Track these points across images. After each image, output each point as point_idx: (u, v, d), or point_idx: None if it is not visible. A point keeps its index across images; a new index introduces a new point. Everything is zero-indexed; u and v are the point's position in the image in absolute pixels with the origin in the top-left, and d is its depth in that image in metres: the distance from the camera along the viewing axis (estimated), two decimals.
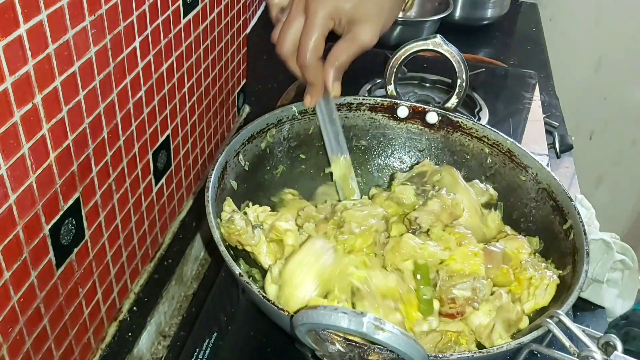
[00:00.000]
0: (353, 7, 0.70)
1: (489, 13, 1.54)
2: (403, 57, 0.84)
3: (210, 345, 0.72)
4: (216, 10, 0.92)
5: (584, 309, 0.82)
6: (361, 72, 1.19)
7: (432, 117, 0.85)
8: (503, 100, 1.15)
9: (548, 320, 0.56)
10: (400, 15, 1.51)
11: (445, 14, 1.40)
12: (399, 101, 0.85)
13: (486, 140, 0.82)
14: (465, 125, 0.83)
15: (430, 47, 0.81)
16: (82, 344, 0.73)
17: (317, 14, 0.70)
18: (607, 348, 0.53)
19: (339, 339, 0.50)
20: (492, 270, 0.68)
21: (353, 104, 0.85)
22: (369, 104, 0.85)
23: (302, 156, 0.84)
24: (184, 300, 0.93)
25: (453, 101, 0.84)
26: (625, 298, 0.84)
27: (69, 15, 0.56)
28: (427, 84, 1.19)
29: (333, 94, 0.75)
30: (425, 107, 0.85)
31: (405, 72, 1.18)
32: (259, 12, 1.55)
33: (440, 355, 0.53)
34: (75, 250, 0.66)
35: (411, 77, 1.19)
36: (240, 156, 0.75)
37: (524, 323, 0.66)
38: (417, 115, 0.86)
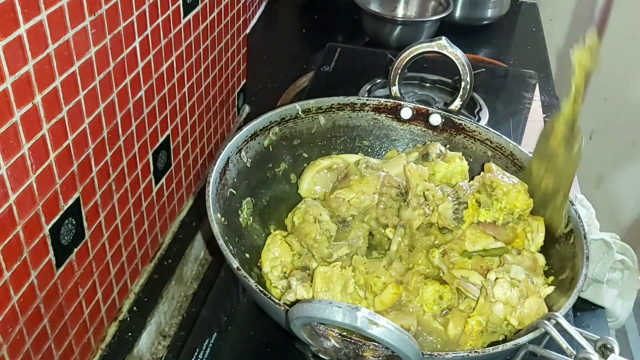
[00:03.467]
0: None
1: (489, 13, 1.54)
2: (408, 58, 0.84)
3: (210, 345, 0.72)
4: (216, 10, 0.92)
5: (584, 309, 0.82)
6: (361, 72, 1.19)
7: (435, 119, 0.85)
8: (503, 100, 1.15)
9: (545, 322, 0.56)
10: (400, 15, 1.52)
11: (445, 14, 1.39)
12: (402, 102, 0.85)
13: (489, 143, 0.82)
14: (469, 127, 0.83)
15: (435, 49, 0.81)
16: (82, 344, 0.73)
17: None
18: (604, 350, 0.53)
19: (334, 334, 0.50)
20: (502, 236, 0.72)
21: (357, 104, 0.85)
22: (373, 104, 0.85)
23: (305, 155, 0.84)
24: (184, 300, 0.93)
25: (457, 103, 0.84)
26: (625, 298, 0.84)
27: (69, 15, 0.56)
28: (427, 84, 1.19)
29: None
30: (429, 109, 0.85)
31: (405, 72, 1.18)
32: (259, 12, 1.55)
33: (435, 354, 0.53)
34: (75, 250, 0.66)
35: (411, 77, 1.19)
36: (243, 153, 0.75)
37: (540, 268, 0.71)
38: (420, 116, 0.86)
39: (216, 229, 0.63)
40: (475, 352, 0.55)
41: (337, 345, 0.50)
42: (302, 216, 0.76)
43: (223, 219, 0.69)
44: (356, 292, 0.68)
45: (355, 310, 0.44)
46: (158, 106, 0.79)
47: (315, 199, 0.80)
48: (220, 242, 0.61)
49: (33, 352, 0.62)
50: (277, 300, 0.57)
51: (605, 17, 0.67)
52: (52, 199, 0.60)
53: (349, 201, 0.75)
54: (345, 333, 0.50)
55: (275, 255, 0.73)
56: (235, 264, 0.59)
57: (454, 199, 0.72)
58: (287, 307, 0.54)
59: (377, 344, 0.48)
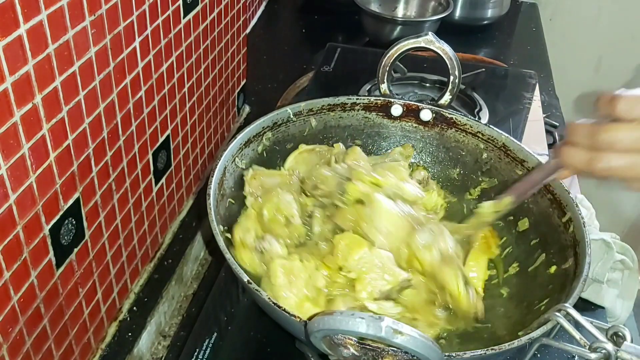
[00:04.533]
0: None
1: (489, 13, 1.54)
2: (395, 55, 0.83)
3: (210, 345, 0.72)
4: (216, 10, 0.92)
5: (584, 309, 0.82)
6: (361, 72, 1.19)
7: (426, 115, 0.85)
8: (503, 100, 1.15)
9: (556, 313, 0.56)
10: (400, 15, 1.51)
11: (445, 14, 1.39)
12: (392, 99, 0.85)
13: (481, 136, 0.82)
14: (460, 121, 0.83)
15: (422, 44, 0.81)
16: (82, 344, 0.73)
17: None
18: (616, 339, 0.54)
19: (352, 342, 0.50)
20: None
21: (347, 103, 0.85)
22: (363, 103, 0.85)
23: None
24: (184, 300, 0.93)
25: (446, 98, 0.84)
26: (625, 298, 0.84)
27: (69, 15, 0.56)
28: (427, 84, 1.19)
29: None
30: (419, 104, 0.85)
31: (405, 72, 1.18)
32: (259, 12, 1.55)
33: (454, 355, 0.54)
34: (75, 250, 0.66)
35: (411, 77, 1.19)
36: (238, 161, 0.75)
37: None
38: (411, 113, 0.86)
39: (222, 243, 0.62)
40: (492, 349, 0.55)
41: (356, 352, 0.50)
42: (273, 212, 0.73)
43: (226, 227, 0.69)
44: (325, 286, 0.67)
45: (378, 320, 0.44)
46: (158, 106, 0.79)
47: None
48: (228, 255, 0.61)
49: (33, 352, 0.62)
50: (292, 313, 0.56)
51: (525, 193, 0.69)
52: (52, 199, 0.60)
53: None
54: (363, 340, 0.50)
55: (247, 227, 0.72)
56: (245, 277, 0.58)
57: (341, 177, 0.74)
58: (304, 320, 0.53)
59: (396, 349, 0.48)
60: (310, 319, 0.50)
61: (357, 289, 0.65)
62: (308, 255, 0.68)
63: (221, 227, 0.67)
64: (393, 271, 0.66)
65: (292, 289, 0.64)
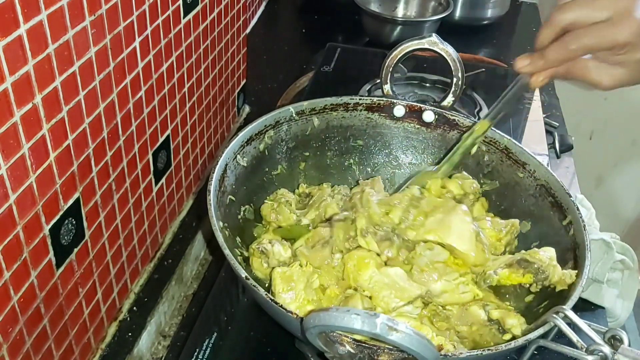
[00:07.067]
0: None
1: (489, 13, 1.54)
2: (399, 56, 0.83)
3: (210, 345, 0.72)
4: (216, 10, 0.92)
5: (584, 309, 0.82)
6: (361, 73, 1.19)
7: (428, 116, 0.85)
8: None
9: (554, 315, 0.56)
10: (400, 15, 1.51)
11: (445, 14, 1.39)
12: (395, 100, 0.85)
13: (483, 138, 0.82)
14: (462, 123, 0.83)
15: (426, 46, 0.81)
16: (82, 344, 0.73)
17: None
18: (613, 342, 0.54)
19: (348, 340, 0.50)
20: None
21: (350, 104, 0.85)
22: (366, 103, 0.85)
23: (300, 157, 0.84)
24: (184, 300, 0.93)
25: (449, 100, 0.84)
26: (625, 298, 0.84)
27: (69, 15, 0.56)
28: (427, 84, 1.19)
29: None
30: (422, 105, 0.85)
31: (405, 72, 1.18)
32: (259, 12, 1.55)
33: (449, 354, 0.54)
34: (75, 250, 0.66)
35: (411, 77, 1.19)
36: (239, 158, 0.75)
37: None
38: (413, 114, 0.86)
39: (221, 239, 0.62)
40: (489, 349, 0.55)
41: (351, 350, 0.50)
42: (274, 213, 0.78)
43: (225, 224, 0.69)
44: (320, 287, 0.68)
45: (374, 317, 0.44)
46: (158, 106, 0.79)
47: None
48: (227, 251, 0.61)
49: (33, 352, 0.62)
50: (289, 309, 0.56)
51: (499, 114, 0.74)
52: (52, 199, 0.60)
53: None
54: (359, 338, 0.50)
55: (259, 234, 0.77)
56: (243, 273, 0.59)
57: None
58: (300, 317, 0.53)
59: (391, 347, 0.48)
60: (306, 315, 0.50)
61: (373, 304, 0.66)
62: (325, 275, 0.69)
63: (221, 223, 0.67)
64: (404, 289, 0.66)
65: (291, 293, 0.65)
